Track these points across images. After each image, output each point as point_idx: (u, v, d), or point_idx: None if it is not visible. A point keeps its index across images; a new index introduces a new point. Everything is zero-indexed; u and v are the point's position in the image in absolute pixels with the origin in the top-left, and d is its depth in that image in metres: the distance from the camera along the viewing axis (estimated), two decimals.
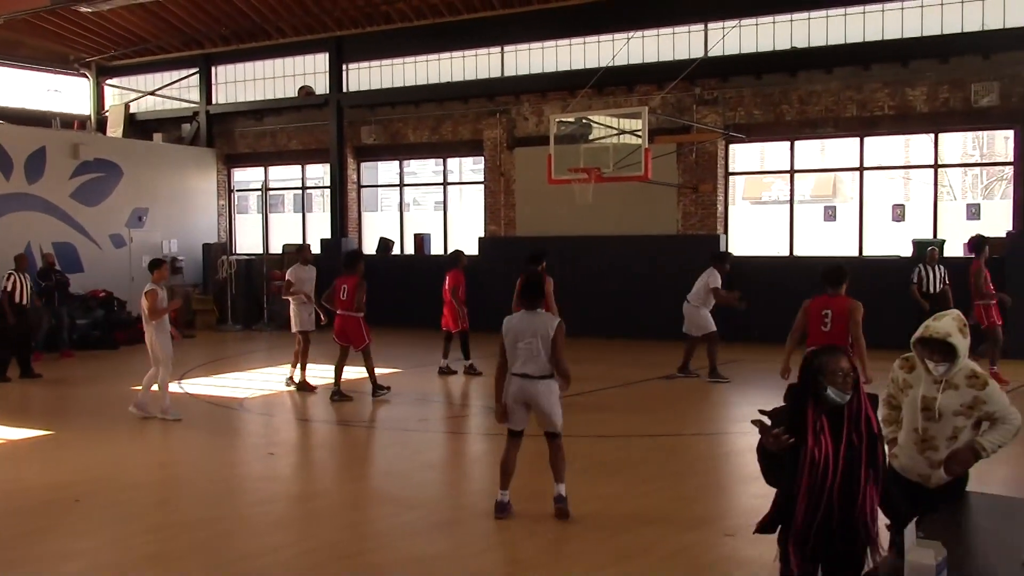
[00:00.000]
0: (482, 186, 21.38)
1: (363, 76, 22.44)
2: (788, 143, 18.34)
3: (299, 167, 24.60)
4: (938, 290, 14.37)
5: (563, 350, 7.06)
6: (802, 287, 16.44)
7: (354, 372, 13.07)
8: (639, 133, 15.46)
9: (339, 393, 12.43)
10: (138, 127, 25.07)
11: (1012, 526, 4.61)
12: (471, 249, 19.25)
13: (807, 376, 4.16)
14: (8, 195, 19.61)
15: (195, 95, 24.68)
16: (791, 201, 18.65)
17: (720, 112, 18.28)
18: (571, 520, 7.14)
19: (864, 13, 16.94)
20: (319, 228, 23.50)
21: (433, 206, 26.55)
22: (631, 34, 18.59)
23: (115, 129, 24.76)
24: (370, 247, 22.09)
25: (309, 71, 23.16)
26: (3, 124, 21.20)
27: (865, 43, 16.91)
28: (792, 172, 18.58)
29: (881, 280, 15.18)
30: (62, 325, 17.77)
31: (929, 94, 16.62)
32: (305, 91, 23.05)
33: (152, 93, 25.24)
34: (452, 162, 23.25)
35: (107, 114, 25.53)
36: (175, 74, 24.90)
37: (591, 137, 16.41)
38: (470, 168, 24.27)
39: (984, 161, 26.98)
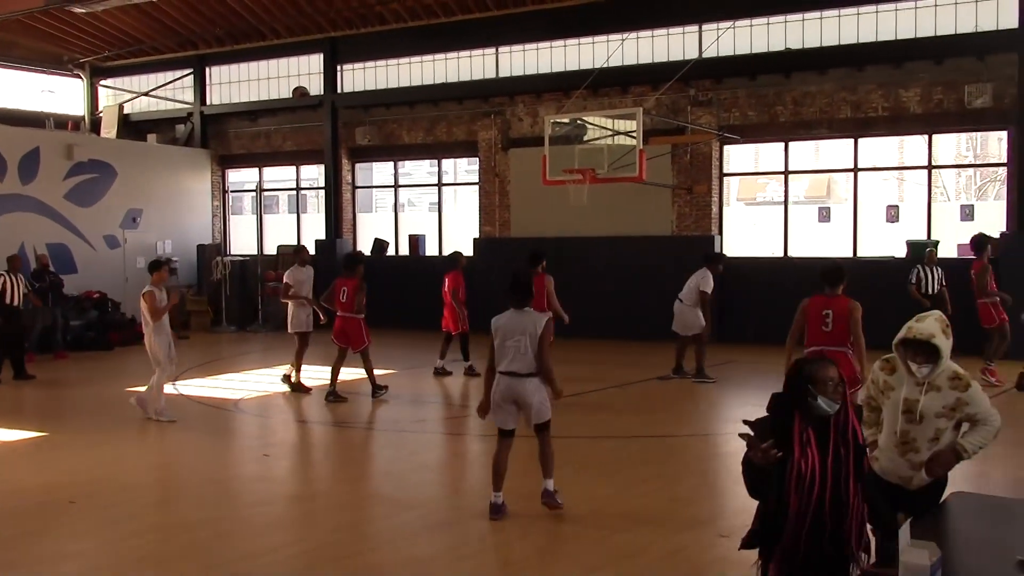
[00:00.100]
0: (477, 187, 21.39)
1: (357, 77, 22.43)
2: (782, 144, 18.37)
3: (293, 168, 24.59)
4: (936, 291, 14.42)
5: (549, 349, 7.12)
6: (797, 288, 16.47)
7: (351, 373, 13.07)
8: (634, 134, 15.48)
9: (334, 394, 12.43)
10: (132, 128, 25.04)
11: (1006, 527, 4.63)
12: (466, 250, 19.24)
13: (795, 385, 4.06)
14: (2, 196, 19.56)
15: (189, 96, 24.66)
16: (785, 202, 18.67)
17: (714, 113, 18.30)
18: (566, 519, 7.15)
19: (858, 14, 16.98)
20: (314, 229, 23.48)
21: (428, 207, 26.53)
22: (626, 35, 18.63)
23: (109, 130, 24.73)
24: (365, 248, 22.07)
25: (303, 72, 23.15)
26: None
27: (859, 44, 16.95)
28: (786, 173, 18.60)
29: (875, 281, 15.21)
30: (56, 326, 17.74)
31: (923, 95, 16.66)
32: (299, 92, 23.03)
33: (146, 94, 25.22)
34: (447, 163, 23.26)
35: (101, 115, 25.50)
36: (169, 75, 24.87)
37: (586, 138, 16.42)
38: (465, 169, 24.28)
39: (978, 162, 27.06)
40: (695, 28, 18.36)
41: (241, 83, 24.14)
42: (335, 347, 12.65)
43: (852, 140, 17.71)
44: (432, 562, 6.45)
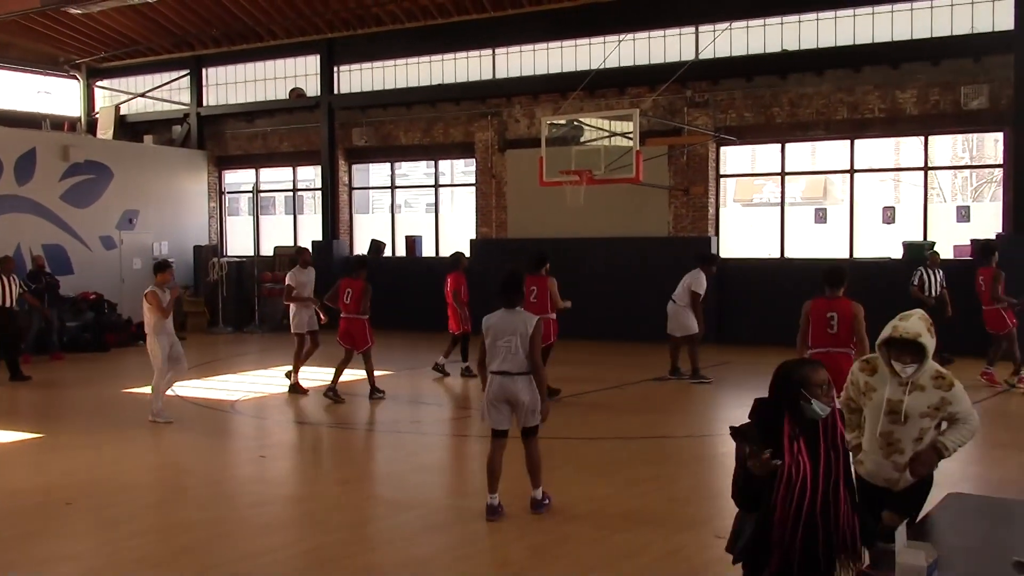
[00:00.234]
0: (473, 188, 21.40)
1: (354, 78, 22.43)
2: (779, 145, 18.40)
3: (290, 169, 24.59)
4: (938, 293, 14.44)
5: (539, 349, 7.18)
6: (793, 289, 16.48)
7: (351, 374, 13.08)
8: (630, 135, 15.49)
9: (334, 391, 12.46)
10: (128, 129, 25.03)
11: (1002, 527, 4.63)
12: (463, 251, 19.23)
13: (786, 389, 3.96)
14: None
15: (186, 97, 24.65)
16: (782, 203, 18.69)
17: (711, 114, 18.32)
18: (564, 520, 7.16)
19: (854, 16, 17.00)
20: (310, 230, 23.47)
21: (424, 208, 26.55)
22: (622, 36, 18.64)
23: (105, 131, 24.71)
24: (362, 249, 22.07)
25: (300, 73, 23.15)
26: None
27: (856, 46, 16.97)
28: (783, 174, 18.63)
29: (871, 282, 15.22)
30: (52, 327, 17.72)
31: (919, 97, 16.69)
32: (296, 93, 23.03)
33: (143, 95, 25.20)
34: (444, 164, 23.27)
35: (97, 116, 25.49)
36: (166, 76, 24.85)
37: (582, 139, 16.43)
38: (461, 170, 24.30)
39: (974, 163, 27.11)
40: (692, 29, 18.38)
41: (238, 84, 24.13)
42: (342, 349, 12.70)
43: (848, 141, 17.73)
44: (430, 563, 6.45)
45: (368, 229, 23.11)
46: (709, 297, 14.61)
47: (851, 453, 4.72)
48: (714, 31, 17.75)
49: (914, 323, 4.64)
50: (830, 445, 3.95)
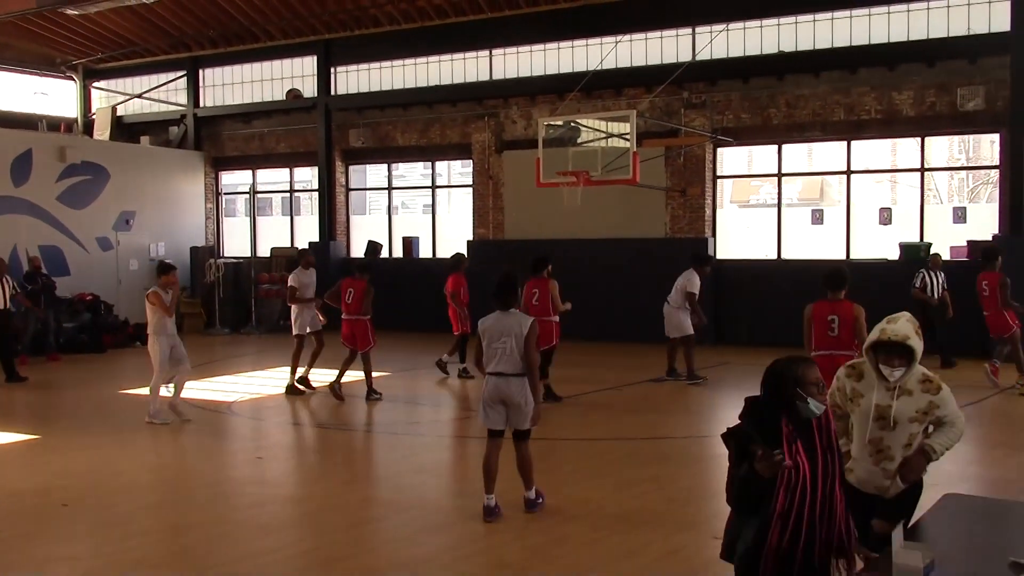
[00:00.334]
0: (470, 189, 21.39)
1: (351, 79, 22.42)
2: (775, 147, 18.41)
3: (287, 170, 24.56)
4: (940, 295, 14.47)
5: (535, 349, 7.20)
6: (790, 290, 16.53)
7: (350, 375, 13.08)
8: (627, 136, 15.50)
9: (338, 385, 12.56)
10: (125, 130, 25.00)
11: (999, 528, 4.64)
12: (463, 253, 19.25)
13: (782, 387, 3.90)
14: None
15: (183, 98, 24.62)
16: (779, 204, 18.70)
17: (708, 116, 18.33)
18: (561, 521, 7.18)
19: (851, 17, 17.01)
20: (307, 231, 23.46)
21: (421, 209, 26.54)
22: (619, 38, 18.64)
23: (102, 132, 24.68)
24: (359, 251, 22.05)
25: (297, 74, 23.14)
26: None
27: (852, 47, 16.98)
28: (780, 175, 18.65)
29: (868, 283, 15.23)
30: (48, 329, 17.70)
31: (916, 98, 16.71)
32: (293, 94, 23.02)
33: (139, 96, 25.17)
34: (440, 165, 23.26)
35: (94, 117, 25.45)
36: (162, 77, 24.82)
37: (579, 140, 16.44)
38: (458, 171, 24.29)
39: (970, 165, 27.14)
40: (688, 31, 18.39)
41: (234, 85, 24.11)
42: (346, 349, 12.79)
43: (845, 143, 17.76)
44: (428, 563, 6.45)
45: (365, 230, 23.07)
46: (706, 298, 14.64)
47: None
48: (711, 32, 17.75)
49: (902, 325, 4.60)
50: (826, 446, 3.91)
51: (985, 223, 16.77)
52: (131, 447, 10.31)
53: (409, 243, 21.90)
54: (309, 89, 22.81)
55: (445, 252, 20.50)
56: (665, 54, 18.61)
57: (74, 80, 25.58)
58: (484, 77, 20.61)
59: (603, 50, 18.70)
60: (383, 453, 10.43)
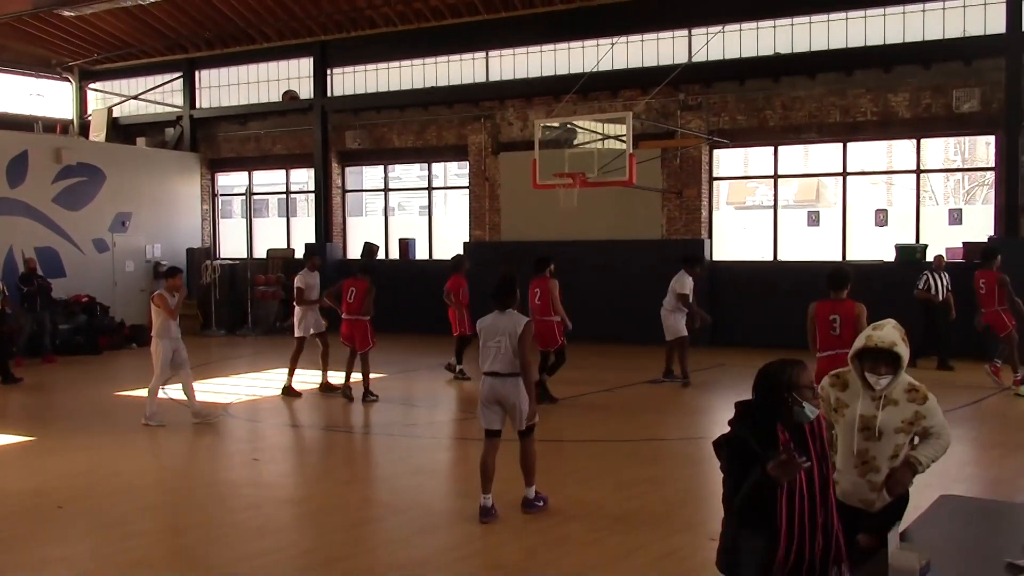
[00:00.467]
0: (467, 191, 21.39)
1: (347, 80, 22.42)
2: (772, 148, 18.43)
3: (283, 171, 24.55)
4: (944, 297, 14.49)
5: (529, 349, 7.22)
6: (786, 291, 16.54)
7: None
8: (623, 138, 15.52)
9: (348, 389, 12.67)
10: (121, 131, 24.96)
11: (995, 529, 4.64)
12: (463, 254, 19.26)
13: (775, 392, 3.83)
14: None
15: (179, 99, 24.60)
16: (775, 206, 18.71)
17: (704, 117, 18.35)
18: (558, 522, 7.18)
19: (847, 19, 17.04)
20: (304, 233, 23.45)
21: (418, 211, 26.52)
22: (616, 39, 18.65)
23: (98, 133, 24.65)
24: (355, 252, 22.03)
25: (293, 75, 23.13)
26: None
27: (848, 49, 17.01)
28: (776, 177, 18.65)
29: (864, 285, 15.22)
30: (44, 330, 17.66)
31: (911, 100, 16.74)
32: (289, 95, 23.01)
33: (135, 97, 25.15)
34: (437, 167, 23.26)
35: (90, 118, 25.42)
36: (159, 78, 24.80)
37: (576, 142, 16.44)
38: (455, 173, 24.28)
39: (966, 166, 27.19)
40: (684, 32, 18.41)
41: (231, 87, 24.09)
42: (347, 349, 12.85)
43: (841, 144, 17.79)
44: (425, 565, 6.45)
45: (361, 232, 23.06)
46: (702, 300, 14.66)
47: None
48: (707, 34, 17.77)
49: (888, 332, 4.50)
50: (820, 454, 3.86)
51: (981, 225, 16.79)
52: (127, 449, 10.29)
53: (405, 245, 21.89)
54: (305, 91, 22.80)
55: (441, 254, 20.52)
56: (661, 56, 18.62)
57: (70, 81, 25.55)
58: (480, 79, 20.61)
59: (599, 52, 18.71)
60: (380, 455, 10.43)
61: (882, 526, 4.27)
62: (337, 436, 11.28)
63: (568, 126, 16.76)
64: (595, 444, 10.33)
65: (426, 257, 21.75)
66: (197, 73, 24.43)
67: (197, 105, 24.45)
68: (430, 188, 22.89)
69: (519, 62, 20.18)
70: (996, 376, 13.11)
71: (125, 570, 6.38)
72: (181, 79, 24.44)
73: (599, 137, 16.26)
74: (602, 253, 18.82)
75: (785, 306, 15.46)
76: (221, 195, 25.48)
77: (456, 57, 20.83)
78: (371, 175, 24.84)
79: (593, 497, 7.98)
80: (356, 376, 12.83)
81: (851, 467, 4.63)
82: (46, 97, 25.49)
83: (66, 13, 20.84)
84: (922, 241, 16.81)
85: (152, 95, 24.91)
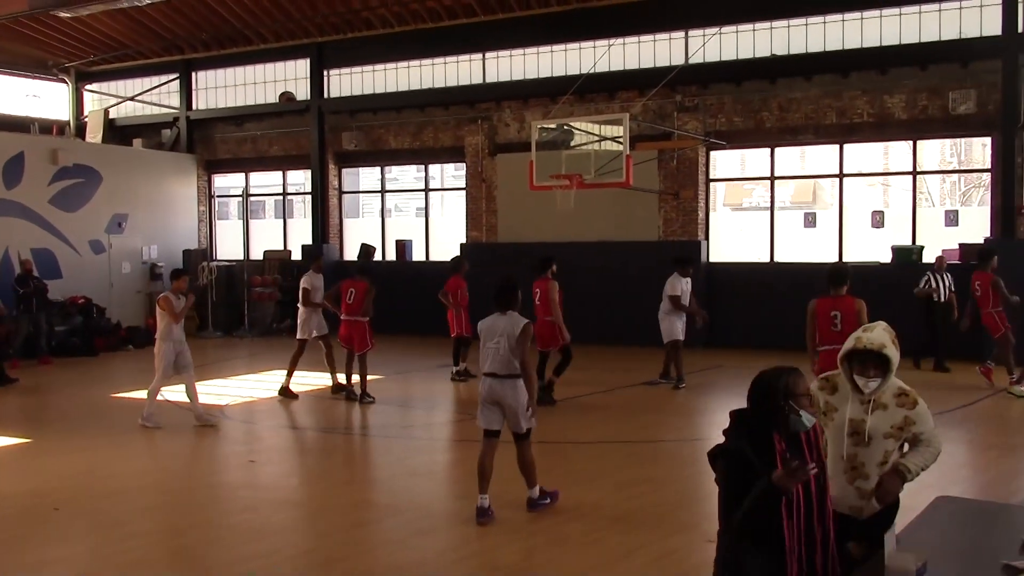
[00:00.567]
0: (464, 192, 21.40)
1: (344, 82, 22.42)
2: (768, 150, 18.44)
3: (280, 173, 24.54)
4: (945, 298, 14.51)
5: (527, 351, 7.23)
6: (783, 293, 16.54)
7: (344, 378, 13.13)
8: (620, 140, 15.51)
9: (366, 394, 12.66)
10: (118, 133, 24.95)
11: (990, 530, 4.65)
12: (463, 256, 19.26)
13: (771, 400, 3.76)
14: None
15: (175, 101, 24.59)
16: (771, 207, 18.73)
17: (701, 119, 18.37)
18: (556, 523, 7.19)
19: (843, 21, 17.07)
20: (300, 234, 23.44)
21: (415, 212, 26.54)
22: (612, 41, 18.67)
23: (94, 134, 24.63)
24: (351, 254, 22.03)
25: (290, 77, 23.12)
26: None
27: (844, 51, 17.04)
28: (772, 179, 18.67)
29: (860, 286, 15.24)
30: (40, 332, 17.63)
31: (908, 102, 16.76)
32: (286, 97, 23.00)
33: (132, 99, 25.13)
34: (434, 168, 23.26)
35: (86, 119, 25.40)
36: (155, 79, 24.78)
37: (572, 143, 16.45)
38: (451, 174, 24.30)
39: (962, 168, 27.21)
40: (681, 34, 18.43)
41: (227, 88, 24.09)
42: (344, 351, 12.88)
43: (838, 146, 17.80)
44: (423, 566, 6.45)
45: (358, 233, 23.05)
46: (699, 301, 14.66)
47: None
48: (704, 36, 17.80)
49: (878, 334, 4.44)
50: (817, 462, 3.81)
51: (977, 226, 16.82)
52: (124, 450, 10.28)
53: (402, 246, 21.89)
54: (302, 92, 22.80)
55: (438, 255, 20.52)
56: (658, 57, 18.65)
57: (66, 83, 25.52)
58: (477, 80, 20.62)
59: (596, 53, 18.72)
60: (377, 456, 10.43)
61: (873, 534, 4.26)
62: (334, 438, 11.28)
63: (565, 127, 16.77)
64: (594, 445, 10.34)
65: (423, 258, 21.74)
66: (194, 74, 24.42)
67: (194, 106, 24.44)
68: (427, 189, 22.89)
69: (516, 63, 20.19)
70: (988, 377, 13.14)
71: (123, 571, 6.38)
72: (178, 80, 24.42)
73: (596, 138, 16.26)
74: (599, 254, 18.82)
75: (782, 307, 15.48)
76: (218, 196, 25.45)
77: (453, 58, 20.83)
78: (368, 176, 24.82)
79: (592, 498, 7.98)
80: (342, 380, 12.82)
81: (840, 472, 4.55)
82: (42, 98, 25.46)
83: (62, 14, 20.83)
84: (918, 242, 16.83)
85: (148, 96, 24.90)
